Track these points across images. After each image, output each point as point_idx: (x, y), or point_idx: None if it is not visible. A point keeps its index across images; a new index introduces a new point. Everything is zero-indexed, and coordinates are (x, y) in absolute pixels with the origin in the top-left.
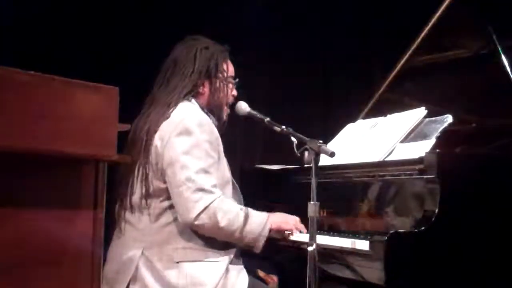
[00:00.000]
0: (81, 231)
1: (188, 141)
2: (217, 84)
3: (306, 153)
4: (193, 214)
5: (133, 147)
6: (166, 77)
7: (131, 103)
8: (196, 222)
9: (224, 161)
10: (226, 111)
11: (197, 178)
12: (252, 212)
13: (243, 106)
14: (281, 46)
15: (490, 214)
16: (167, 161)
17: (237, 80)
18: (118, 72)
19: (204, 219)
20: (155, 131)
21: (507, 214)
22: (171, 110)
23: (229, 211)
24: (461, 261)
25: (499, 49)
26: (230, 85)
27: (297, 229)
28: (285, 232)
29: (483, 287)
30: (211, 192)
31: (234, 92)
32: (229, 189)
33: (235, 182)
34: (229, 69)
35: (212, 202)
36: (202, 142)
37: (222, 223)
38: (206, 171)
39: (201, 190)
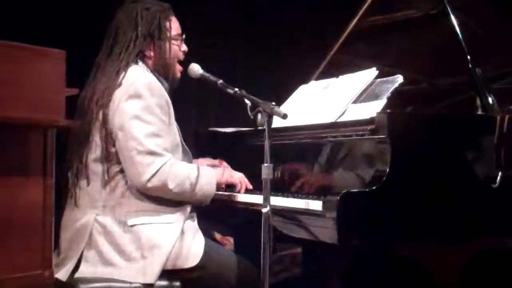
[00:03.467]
0: (31, 198)
1: (137, 105)
2: (162, 45)
3: (259, 115)
4: (145, 178)
5: (83, 115)
6: (109, 44)
7: (79, 67)
8: (148, 185)
9: (174, 125)
10: (178, 68)
11: (147, 142)
12: (201, 171)
13: (196, 68)
14: (232, 7)
15: (440, 172)
16: (117, 126)
17: (183, 36)
18: (65, 35)
19: (155, 182)
20: (109, 100)
21: (457, 172)
22: (121, 77)
23: (179, 173)
24: (412, 219)
25: (448, 9)
26: (178, 42)
27: (241, 183)
28: (233, 193)
29: (434, 244)
30: (161, 155)
31: (184, 48)
32: (179, 153)
33: (186, 146)
34: (174, 26)
35: (163, 165)
36: (152, 106)
37: (172, 185)
38: (156, 135)
39: (152, 153)
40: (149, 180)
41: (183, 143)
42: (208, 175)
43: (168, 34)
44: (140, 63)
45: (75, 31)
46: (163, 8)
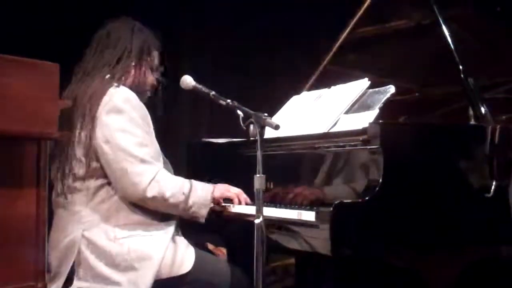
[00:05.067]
0: (24, 210)
1: (120, 119)
2: (143, 68)
3: (252, 126)
4: (142, 187)
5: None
6: (99, 48)
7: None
8: (147, 195)
9: (153, 135)
10: (146, 94)
11: (137, 151)
12: (196, 183)
13: (188, 80)
14: (226, 20)
15: (434, 182)
16: (101, 139)
17: (162, 69)
18: (58, 48)
19: (152, 192)
20: (100, 99)
21: (450, 182)
22: (112, 87)
23: (173, 183)
24: (405, 229)
25: (440, 19)
26: (156, 74)
27: (239, 199)
28: (227, 204)
29: (428, 253)
30: (152, 163)
31: (155, 81)
32: (161, 162)
33: (164, 156)
34: (158, 58)
35: (156, 173)
36: (135, 118)
37: (168, 194)
38: (144, 145)
39: (144, 162)
40: (146, 189)
41: (163, 154)
42: (203, 187)
43: (152, 61)
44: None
45: (69, 44)
46: (155, 37)
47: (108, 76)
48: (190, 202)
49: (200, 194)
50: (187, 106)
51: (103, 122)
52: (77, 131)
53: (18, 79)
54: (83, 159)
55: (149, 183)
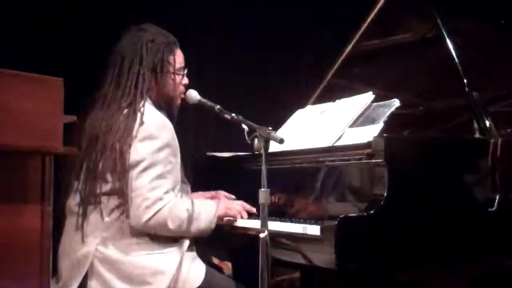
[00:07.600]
0: (29, 224)
1: (150, 146)
2: (165, 79)
3: (256, 140)
4: (142, 220)
5: (90, 144)
6: (115, 74)
7: (77, 94)
8: (149, 225)
9: (179, 163)
10: (177, 104)
11: (151, 185)
12: (201, 209)
13: (193, 94)
14: (230, 32)
15: (438, 196)
16: (130, 164)
17: (185, 71)
18: (62, 62)
19: (152, 225)
20: (131, 139)
21: (454, 196)
22: (139, 116)
23: (178, 214)
24: (411, 243)
25: (443, 32)
26: (179, 77)
27: (241, 214)
28: (231, 218)
29: (433, 267)
30: (162, 199)
31: (185, 81)
32: (177, 188)
33: (185, 180)
34: (178, 60)
35: (161, 208)
36: (163, 147)
37: (172, 226)
38: (162, 177)
39: (153, 197)
40: (146, 222)
41: (183, 177)
42: (208, 212)
43: (171, 69)
44: (148, 99)
45: (73, 58)
46: (167, 41)
47: (127, 103)
48: (195, 228)
49: (205, 220)
50: (191, 120)
51: (135, 147)
52: (118, 152)
53: (22, 93)
54: (109, 178)
55: (150, 217)
